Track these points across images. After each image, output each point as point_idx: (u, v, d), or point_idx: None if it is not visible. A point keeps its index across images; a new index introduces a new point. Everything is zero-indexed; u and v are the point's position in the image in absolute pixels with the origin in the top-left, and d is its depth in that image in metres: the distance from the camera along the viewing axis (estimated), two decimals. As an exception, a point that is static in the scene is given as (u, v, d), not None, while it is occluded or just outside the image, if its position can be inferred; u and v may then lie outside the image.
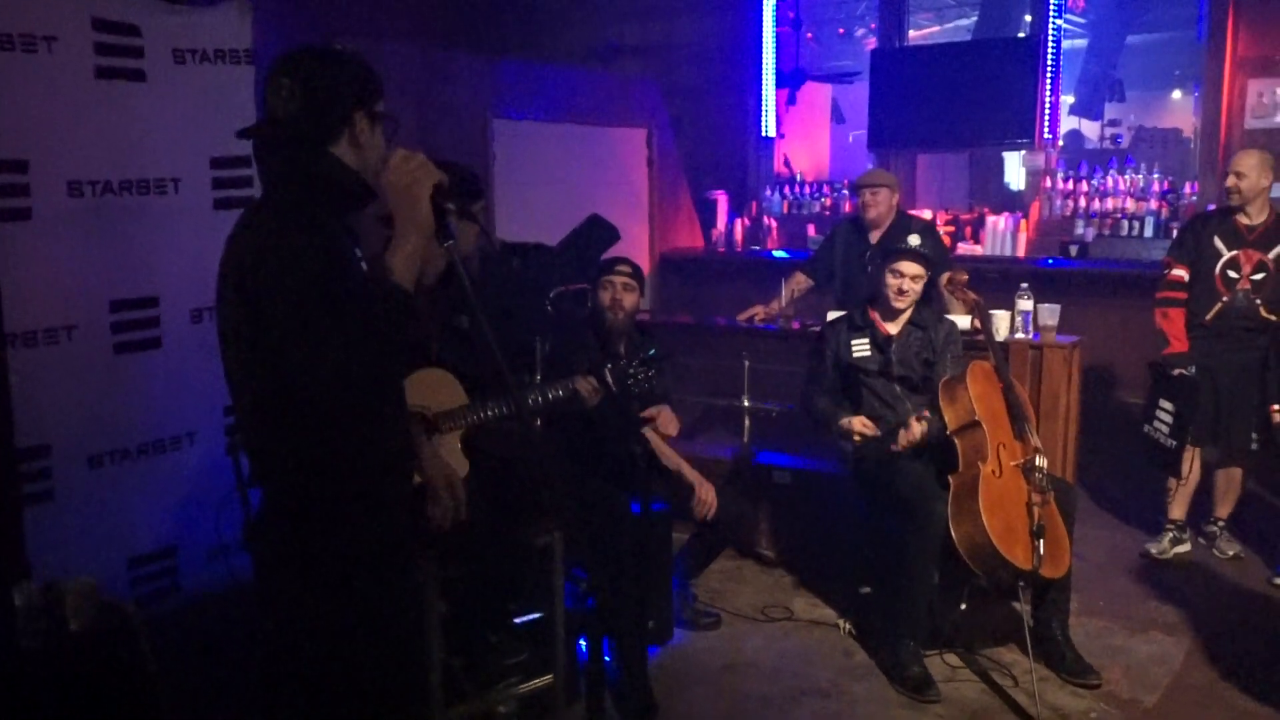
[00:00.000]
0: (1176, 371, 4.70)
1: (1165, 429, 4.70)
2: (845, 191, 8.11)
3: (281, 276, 2.01)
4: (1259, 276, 4.69)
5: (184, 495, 3.95)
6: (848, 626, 4.28)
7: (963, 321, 4.52)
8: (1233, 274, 4.72)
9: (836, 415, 4.23)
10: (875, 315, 4.30)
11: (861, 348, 4.25)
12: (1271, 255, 4.67)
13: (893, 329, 4.25)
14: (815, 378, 4.39)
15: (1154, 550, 5.01)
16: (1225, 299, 4.73)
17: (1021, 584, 3.67)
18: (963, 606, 4.04)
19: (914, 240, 4.13)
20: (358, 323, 2.02)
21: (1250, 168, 4.66)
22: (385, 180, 2.14)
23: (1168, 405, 4.70)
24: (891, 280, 4.17)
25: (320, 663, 2.24)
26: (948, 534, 3.73)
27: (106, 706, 2.91)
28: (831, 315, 5.38)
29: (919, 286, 4.18)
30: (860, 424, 4.14)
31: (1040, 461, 3.79)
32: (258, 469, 2.27)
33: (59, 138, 3.52)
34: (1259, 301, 4.69)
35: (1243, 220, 4.74)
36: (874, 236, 5.33)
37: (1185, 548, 5.04)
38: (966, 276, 4.36)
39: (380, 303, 2.07)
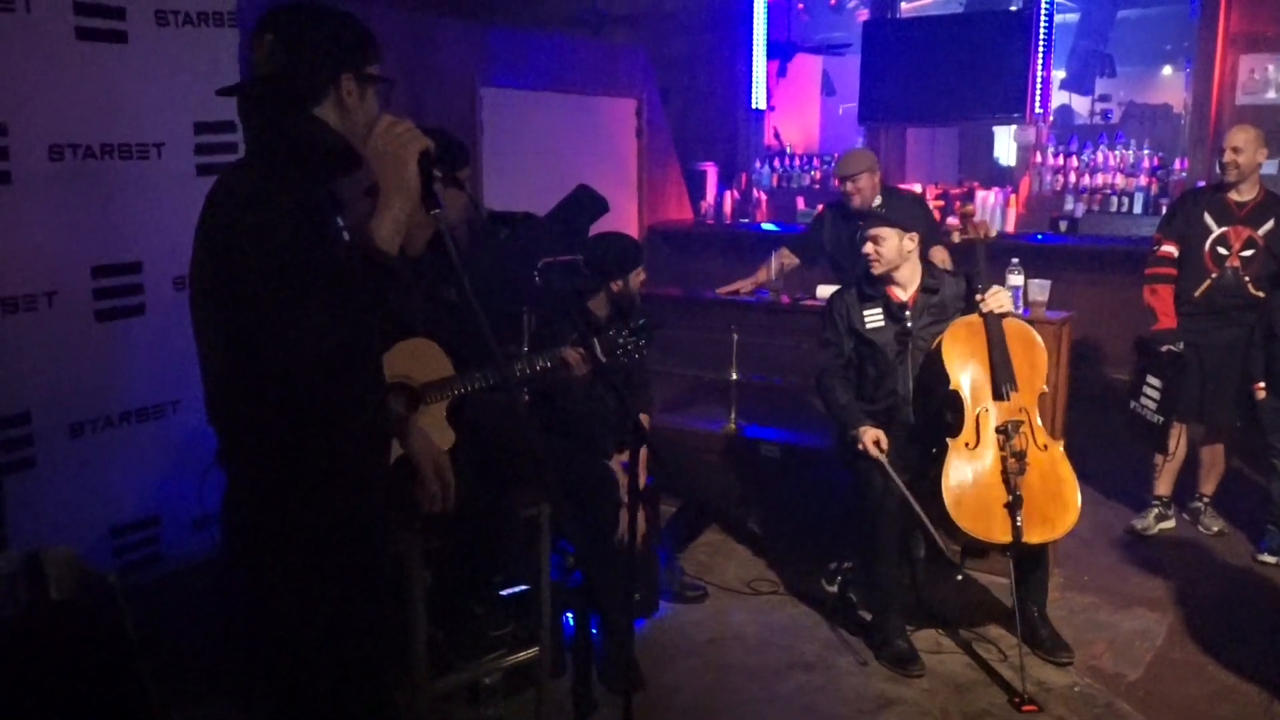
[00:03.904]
0: (1164, 348, 4.70)
1: (1152, 405, 4.70)
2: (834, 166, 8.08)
3: (256, 242, 1.94)
4: (1248, 253, 4.68)
5: (167, 464, 3.91)
6: (832, 591, 4.28)
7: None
8: (1222, 250, 4.71)
9: (856, 420, 3.89)
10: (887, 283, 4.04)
11: (875, 317, 3.98)
12: (1261, 232, 4.67)
13: (904, 295, 4.01)
14: (831, 357, 4.09)
15: (1139, 526, 5.03)
16: (1214, 276, 4.72)
17: (1008, 554, 3.67)
18: (959, 577, 4.04)
19: (875, 203, 4.03)
20: (334, 293, 1.95)
21: (1247, 143, 4.64)
22: (371, 146, 2.08)
23: (1155, 381, 4.70)
24: (866, 248, 3.97)
25: (294, 640, 2.19)
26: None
27: (88, 676, 2.89)
28: (822, 289, 5.37)
29: (888, 248, 3.92)
30: (872, 441, 3.80)
31: (1016, 425, 3.64)
32: (225, 446, 2.16)
33: (39, 100, 3.46)
34: (1247, 278, 4.69)
35: (1233, 197, 4.72)
36: None
37: (1170, 524, 5.07)
38: (973, 208, 4.19)
39: (361, 272, 2.00)
